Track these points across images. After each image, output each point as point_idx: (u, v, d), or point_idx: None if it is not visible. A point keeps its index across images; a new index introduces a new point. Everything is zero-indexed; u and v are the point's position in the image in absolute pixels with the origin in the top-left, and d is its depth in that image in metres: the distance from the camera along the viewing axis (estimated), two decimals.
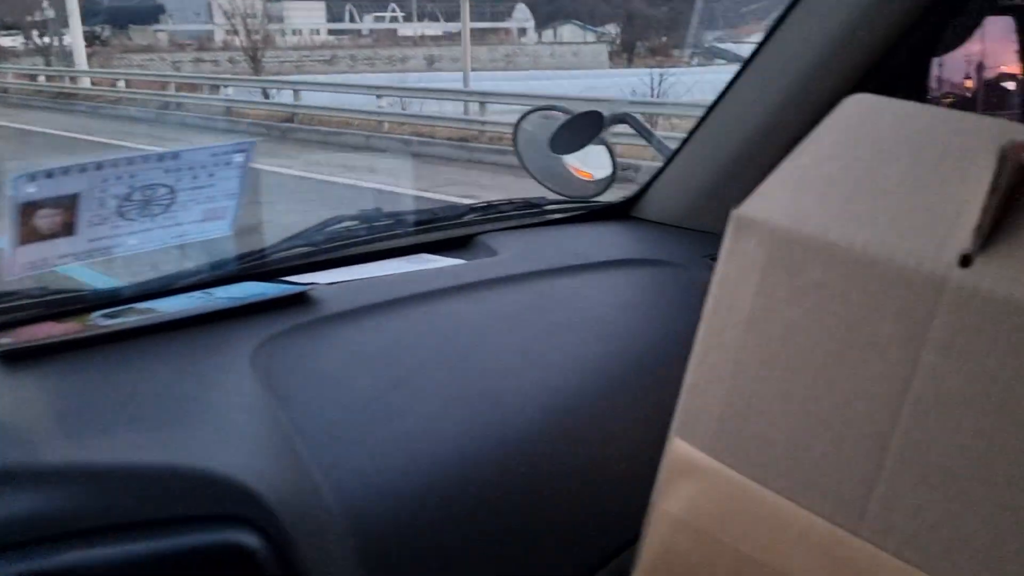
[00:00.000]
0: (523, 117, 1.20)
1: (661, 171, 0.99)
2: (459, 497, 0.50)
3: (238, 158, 0.61)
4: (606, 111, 1.25)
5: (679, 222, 0.96)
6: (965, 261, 0.39)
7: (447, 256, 0.84)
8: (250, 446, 0.44)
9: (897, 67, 0.85)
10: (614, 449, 0.57)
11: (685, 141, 0.97)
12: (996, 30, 1.17)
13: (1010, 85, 1.15)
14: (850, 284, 0.42)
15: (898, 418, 0.41)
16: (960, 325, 0.38)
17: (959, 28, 0.88)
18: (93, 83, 14.41)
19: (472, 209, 0.91)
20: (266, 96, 12.00)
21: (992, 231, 0.39)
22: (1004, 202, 0.39)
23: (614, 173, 1.15)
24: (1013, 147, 0.37)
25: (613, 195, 1.10)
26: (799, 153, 0.46)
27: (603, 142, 1.16)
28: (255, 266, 0.74)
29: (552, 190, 1.16)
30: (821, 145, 0.45)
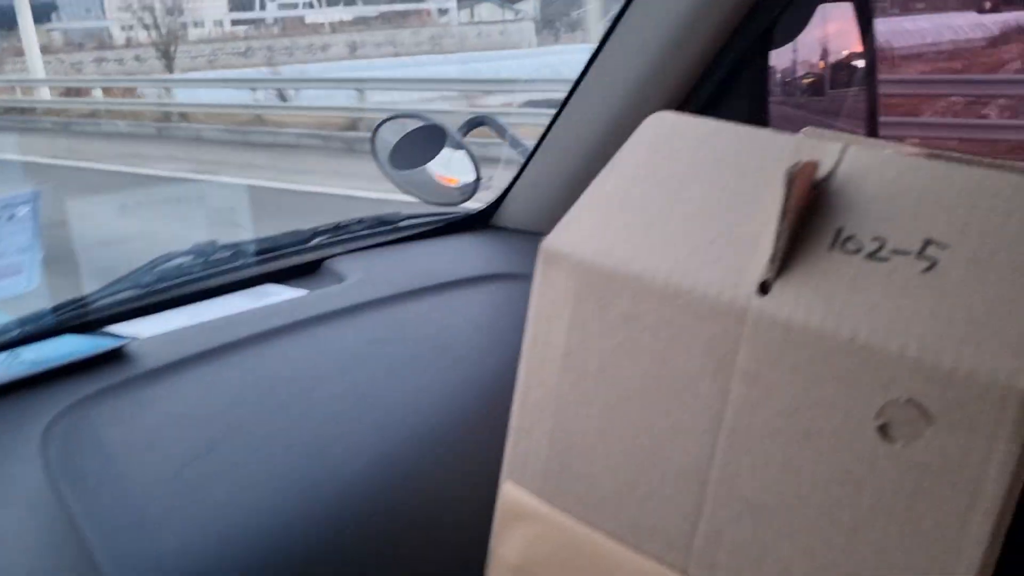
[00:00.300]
0: (380, 125, 1.16)
1: (520, 174, 0.97)
2: (282, 571, 0.46)
3: (22, 211, 0.56)
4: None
5: (542, 228, 0.93)
6: (763, 288, 0.37)
7: (292, 286, 0.80)
8: (21, 553, 0.39)
9: (739, 58, 0.84)
10: (460, 493, 0.55)
11: (541, 139, 0.94)
12: (839, 15, 1.19)
13: (857, 64, 1.18)
14: (658, 316, 0.40)
15: (714, 453, 0.39)
16: (763, 355, 0.37)
17: (794, 19, 0.89)
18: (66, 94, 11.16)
19: (318, 232, 0.86)
20: (283, 98, 9.63)
21: (789, 255, 0.37)
22: (799, 224, 0.38)
23: (478, 179, 1.13)
24: (801, 168, 0.36)
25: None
26: (603, 178, 0.44)
27: (463, 147, 1.13)
28: (74, 317, 0.68)
29: (417, 198, 1.13)
30: (623, 169, 0.43)
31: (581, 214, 0.43)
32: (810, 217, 0.38)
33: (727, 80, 0.83)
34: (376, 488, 0.52)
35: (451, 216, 0.98)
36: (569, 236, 0.43)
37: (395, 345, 0.65)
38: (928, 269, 0.35)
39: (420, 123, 1.07)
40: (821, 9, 0.99)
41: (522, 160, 1.02)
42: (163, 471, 0.49)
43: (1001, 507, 0.33)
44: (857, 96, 1.14)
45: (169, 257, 0.77)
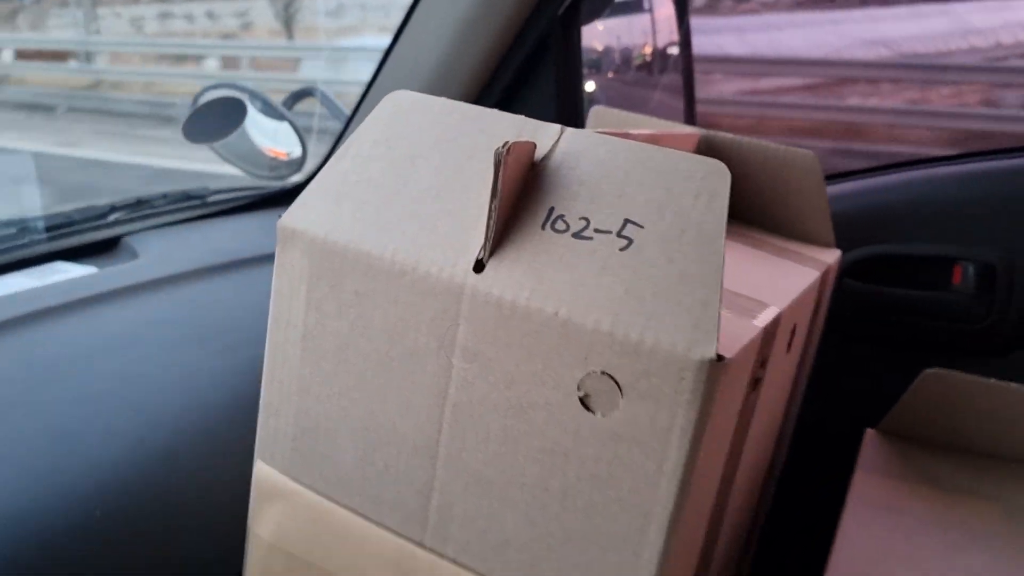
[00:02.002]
0: (200, 95, 1.11)
1: (335, 146, 0.95)
2: (31, 564, 0.44)
3: None
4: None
5: None
6: (478, 267, 0.38)
7: (83, 264, 0.76)
8: None
9: (546, 32, 0.85)
10: (222, 474, 0.54)
11: (354, 111, 0.93)
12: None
13: (671, 48, 1.22)
14: (387, 295, 0.40)
15: (441, 428, 0.40)
16: (480, 332, 0.38)
17: None
18: None
19: (116, 207, 0.82)
20: None
21: (504, 234, 0.38)
22: (515, 204, 0.39)
23: (305, 151, 1.11)
24: (511, 149, 0.37)
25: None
26: (340, 155, 0.44)
27: (286, 119, 1.11)
28: None
29: (244, 171, 1.10)
30: (361, 147, 0.43)
31: (317, 192, 0.43)
32: (527, 197, 0.39)
33: (535, 55, 0.84)
34: (134, 471, 0.50)
35: (265, 191, 0.95)
36: (304, 214, 0.42)
37: (176, 326, 0.63)
38: (626, 247, 0.36)
39: (238, 93, 1.04)
40: None
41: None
42: None
43: (683, 472, 0.35)
44: (672, 77, 1.18)
45: None
